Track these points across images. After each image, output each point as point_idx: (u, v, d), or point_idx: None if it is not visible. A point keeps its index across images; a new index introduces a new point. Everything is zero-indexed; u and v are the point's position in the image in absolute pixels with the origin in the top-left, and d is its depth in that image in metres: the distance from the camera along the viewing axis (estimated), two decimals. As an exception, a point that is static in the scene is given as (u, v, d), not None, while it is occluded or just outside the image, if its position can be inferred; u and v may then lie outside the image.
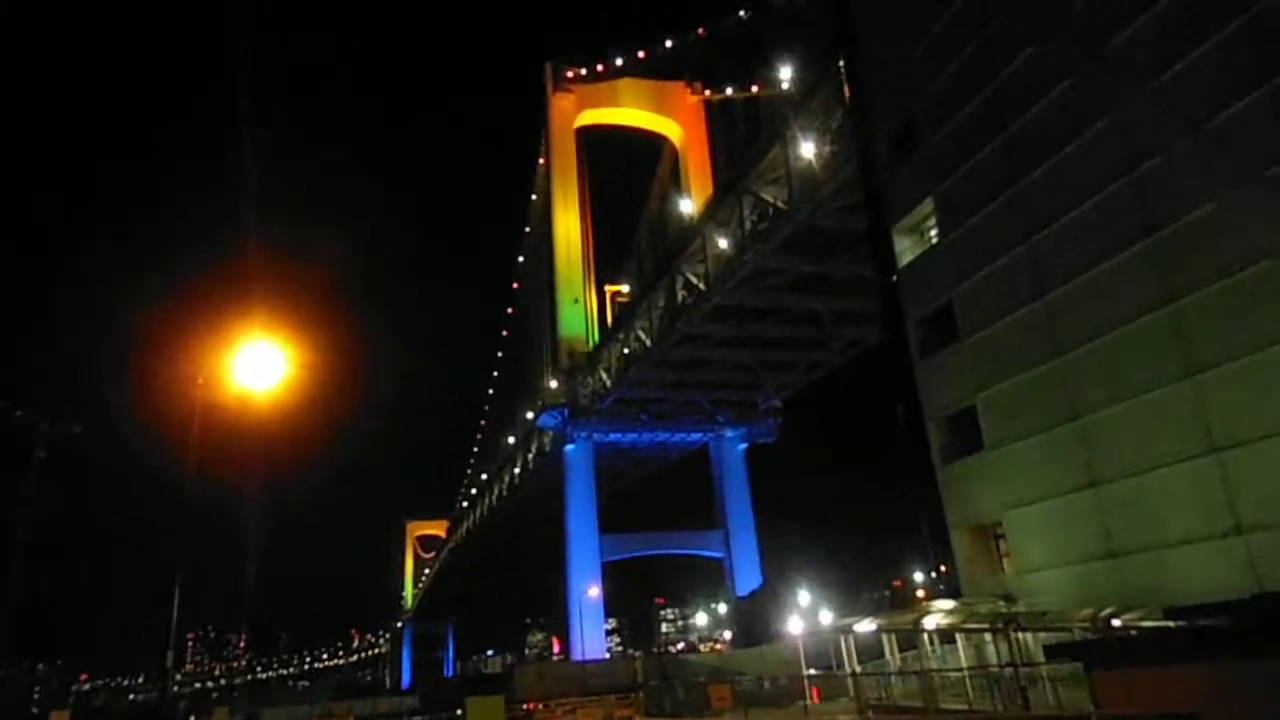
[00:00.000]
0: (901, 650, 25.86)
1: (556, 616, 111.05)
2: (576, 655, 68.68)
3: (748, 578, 73.97)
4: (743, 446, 78.75)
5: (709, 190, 71.33)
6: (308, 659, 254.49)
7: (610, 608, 78.82)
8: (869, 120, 33.69)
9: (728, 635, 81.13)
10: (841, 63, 39.17)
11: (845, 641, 24.90)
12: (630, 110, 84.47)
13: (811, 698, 28.41)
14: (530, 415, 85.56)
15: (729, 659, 41.87)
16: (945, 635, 23.94)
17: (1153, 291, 20.77)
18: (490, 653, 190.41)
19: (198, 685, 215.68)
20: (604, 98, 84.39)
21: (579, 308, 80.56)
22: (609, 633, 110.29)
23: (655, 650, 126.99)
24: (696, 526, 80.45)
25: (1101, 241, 22.10)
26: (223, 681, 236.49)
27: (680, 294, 60.71)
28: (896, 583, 71.85)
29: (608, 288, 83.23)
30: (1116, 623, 17.01)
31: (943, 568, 27.76)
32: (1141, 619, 16.84)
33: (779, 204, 48.81)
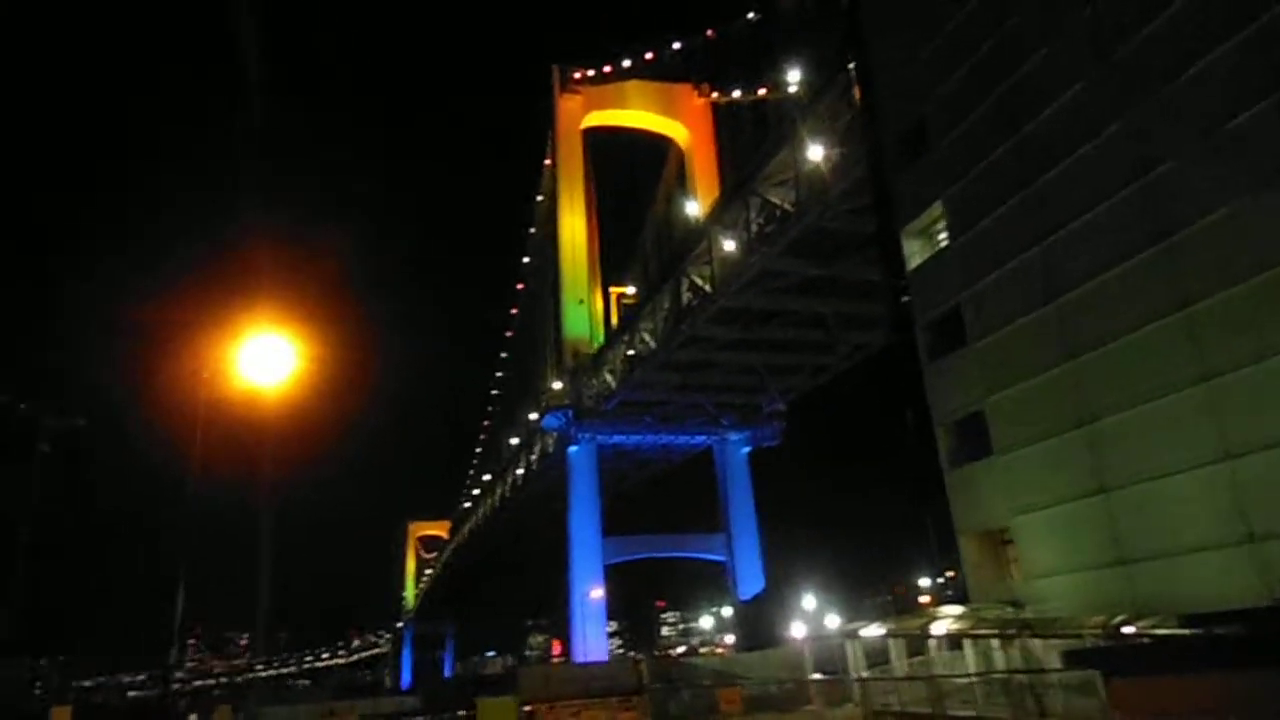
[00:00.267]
0: (908, 656, 25.65)
1: (558, 618, 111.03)
2: (578, 657, 68.52)
3: (750, 581, 73.75)
4: (746, 450, 78.53)
5: (715, 193, 71.18)
6: (308, 658, 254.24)
7: (611, 610, 78.61)
8: (878, 122, 33.51)
9: (729, 639, 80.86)
10: (851, 65, 38.99)
11: (852, 646, 24.71)
12: (637, 112, 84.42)
13: (817, 703, 28.19)
14: (534, 416, 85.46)
15: (733, 663, 41.64)
16: (952, 641, 23.73)
17: (1165, 297, 20.58)
18: (491, 654, 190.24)
19: (198, 683, 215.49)
20: (611, 99, 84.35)
21: (584, 309, 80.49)
22: (610, 635, 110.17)
23: (656, 654, 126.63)
24: (699, 529, 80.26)
25: (1113, 246, 21.92)
26: (223, 680, 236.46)
27: (686, 296, 60.59)
28: (898, 589, 71.57)
29: (612, 289, 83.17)
30: (1128, 630, 16.81)
31: (949, 573, 27.51)
32: (1154, 626, 16.65)
33: (786, 206, 48.69)
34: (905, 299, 30.92)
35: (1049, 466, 23.70)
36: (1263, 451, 18.18)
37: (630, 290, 79.65)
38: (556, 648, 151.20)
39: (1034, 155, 24.41)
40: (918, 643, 25.53)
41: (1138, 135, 21.10)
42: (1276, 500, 17.84)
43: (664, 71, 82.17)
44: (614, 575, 76.08)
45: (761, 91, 67.52)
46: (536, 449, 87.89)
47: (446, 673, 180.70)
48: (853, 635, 24.78)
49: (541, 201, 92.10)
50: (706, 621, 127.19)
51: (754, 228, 51.56)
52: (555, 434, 78.97)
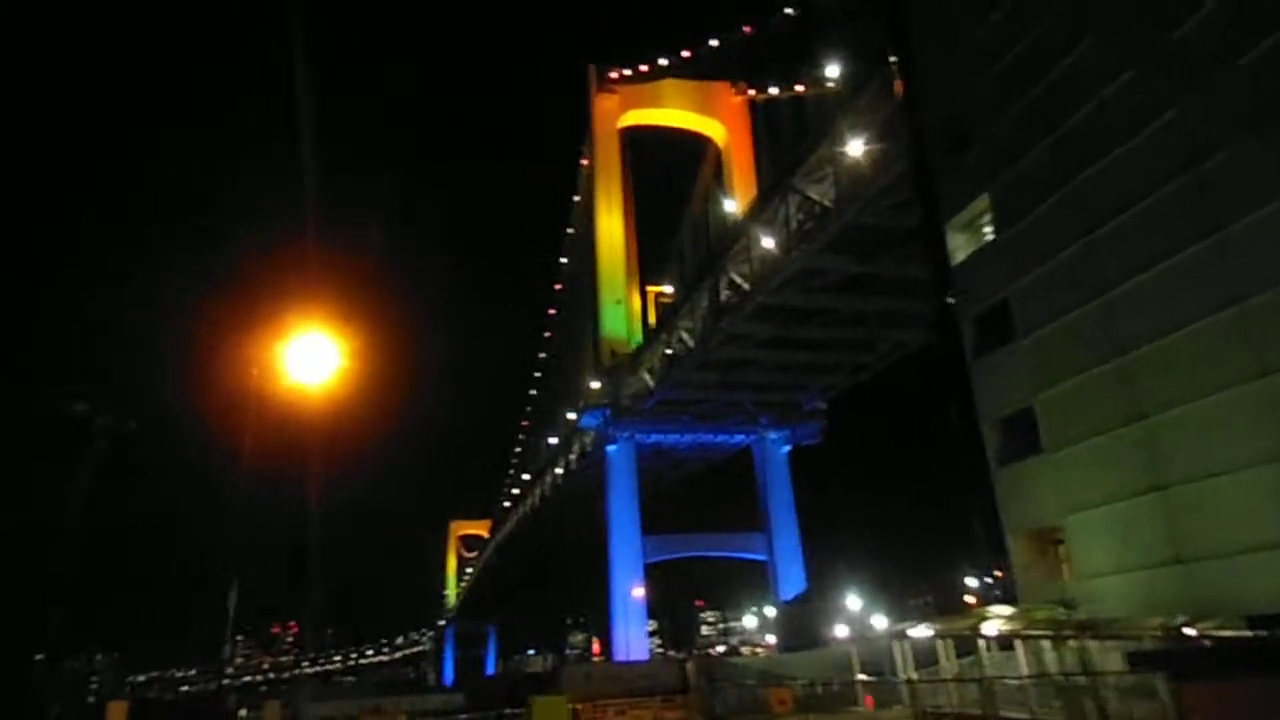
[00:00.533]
0: (957, 657, 25.22)
1: (597, 617, 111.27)
2: (619, 656, 68.62)
3: (791, 581, 73.25)
4: (786, 448, 78.01)
5: (752, 191, 70.81)
6: (353, 655, 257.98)
7: (650, 609, 78.62)
8: (921, 116, 33.02)
9: (770, 639, 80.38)
10: (892, 59, 38.47)
11: (901, 647, 24.34)
12: (674, 111, 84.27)
13: (866, 704, 27.84)
14: (572, 416, 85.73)
15: (777, 663, 41.38)
16: (1002, 642, 23.27)
17: (1218, 291, 20.00)
18: (531, 652, 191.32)
19: (246, 679, 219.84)
20: (647, 98, 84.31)
21: (621, 308, 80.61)
22: (649, 634, 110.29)
23: (696, 652, 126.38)
24: (739, 529, 79.97)
25: (1164, 239, 21.35)
26: (270, 675, 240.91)
27: (724, 294, 60.30)
28: (940, 590, 70.39)
29: (650, 289, 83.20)
30: (1190, 631, 16.33)
31: (997, 573, 27.00)
32: (1217, 628, 16.14)
33: (825, 203, 48.22)
34: (950, 294, 30.40)
35: (1101, 464, 23.14)
36: (1327, 448, 17.55)
37: (668, 289, 79.58)
38: (596, 647, 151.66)
39: (1081, 147, 23.87)
40: (966, 644, 25.10)
41: (1188, 125, 20.52)
42: (1342, 498, 17.22)
43: (701, 70, 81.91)
44: (653, 574, 76.14)
45: (799, 88, 67.03)
46: (575, 448, 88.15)
47: (488, 670, 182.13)
48: (901, 636, 24.42)
49: (579, 202, 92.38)
50: (748, 621, 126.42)
51: (793, 224, 51.13)
52: (593, 433, 79.19)
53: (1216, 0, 19.66)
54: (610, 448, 75.70)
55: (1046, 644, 22.57)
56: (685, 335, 66.20)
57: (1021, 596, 25.53)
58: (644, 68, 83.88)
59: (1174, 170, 20.68)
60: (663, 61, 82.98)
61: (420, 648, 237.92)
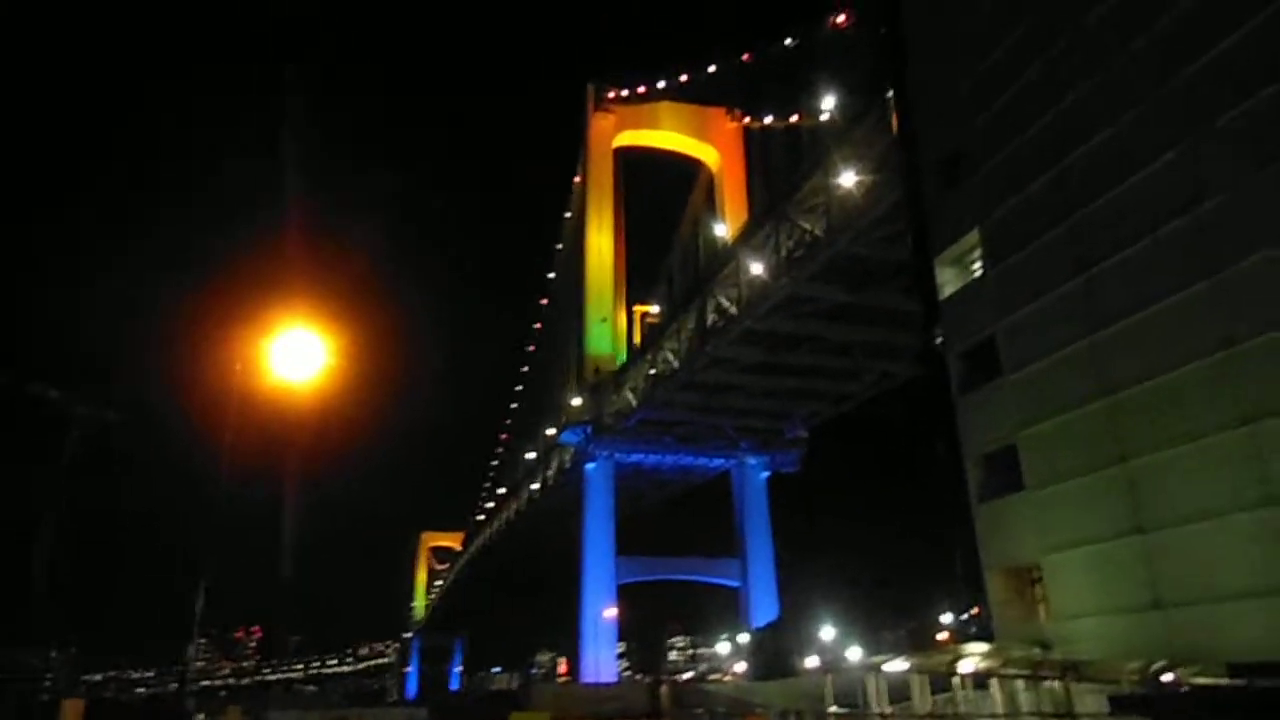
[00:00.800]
0: (931, 693, 24.98)
1: (566, 637, 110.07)
2: (586, 677, 67.90)
3: (764, 609, 72.91)
4: (765, 475, 77.94)
5: (743, 217, 71.21)
6: (315, 664, 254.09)
7: (619, 631, 77.97)
8: (916, 149, 33.19)
9: (740, 667, 79.81)
10: (890, 92, 38.81)
11: (875, 680, 24.10)
12: (669, 133, 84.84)
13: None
14: (552, 431, 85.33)
15: (748, 690, 40.97)
16: (978, 680, 23.09)
17: (1210, 335, 20.01)
18: (497, 670, 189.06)
19: (205, 683, 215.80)
20: (644, 120, 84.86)
21: (607, 326, 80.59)
22: (617, 656, 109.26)
23: (659, 678, 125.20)
24: (714, 554, 79.62)
25: (1158, 280, 21.38)
26: (231, 681, 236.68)
27: (711, 317, 60.41)
28: (913, 624, 70.23)
29: (637, 308, 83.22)
30: (1167, 677, 16.22)
31: (974, 610, 26.90)
32: (1197, 675, 16.04)
33: (817, 231, 48.47)
34: (937, 329, 30.43)
35: (1084, 504, 23.06)
36: (1310, 499, 17.56)
37: (654, 309, 79.62)
38: (563, 666, 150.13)
39: (1077, 185, 23.97)
40: (940, 680, 24.87)
41: (1189, 167, 20.65)
42: (1324, 550, 17.21)
43: (698, 94, 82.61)
44: (624, 596, 75.50)
45: (795, 118, 67.56)
46: (554, 464, 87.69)
47: (453, 686, 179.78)
48: (875, 669, 24.19)
49: (569, 218, 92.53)
50: (721, 648, 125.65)
51: (784, 251, 51.35)
52: (573, 450, 78.81)
53: (1226, 42, 19.82)
54: (589, 465, 75.32)
55: (1021, 684, 22.41)
56: (670, 356, 66.17)
57: (997, 634, 25.36)
58: (641, 89, 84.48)
59: (1174, 211, 20.75)
60: (660, 84, 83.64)
61: (385, 659, 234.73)
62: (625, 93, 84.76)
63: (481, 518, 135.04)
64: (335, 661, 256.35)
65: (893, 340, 55.85)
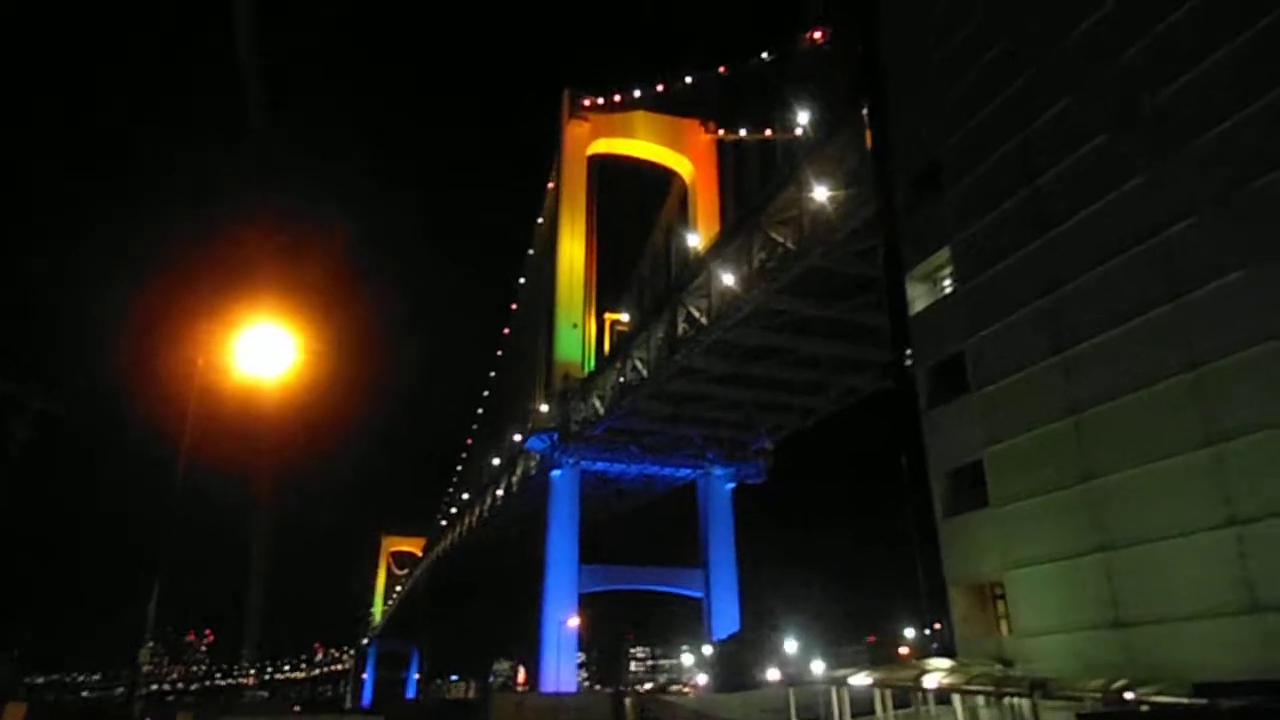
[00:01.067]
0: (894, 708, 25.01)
1: (526, 645, 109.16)
2: (546, 686, 67.21)
3: (726, 620, 72.80)
4: (730, 486, 77.98)
5: (715, 229, 71.42)
6: (268, 669, 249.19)
7: (579, 641, 77.40)
8: (890, 166, 33.44)
9: (701, 679, 79.62)
10: (865, 109, 39.10)
11: (839, 694, 24.05)
12: (643, 143, 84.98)
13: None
14: (518, 437, 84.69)
15: (711, 703, 40.72)
16: (939, 696, 23.13)
17: (1175, 357, 20.30)
18: (454, 678, 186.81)
19: (153, 687, 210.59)
20: (619, 128, 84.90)
21: (577, 333, 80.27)
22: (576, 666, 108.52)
23: (622, 689, 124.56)
24: (677, 564, 79.42)
25: (1125, 301, 21.68)
26: (180, 686, 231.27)
27: (681, 327, 60.34)
28: (871, 638, 70.69)
29: (607, 316, 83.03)
30: (1129, 696, 16.32)
31: (936, 625, 26.99)
32: (1158, 693, 16.16)
33: (789, 244, 48.64)
34: (907, 345, 30.60)
35: (1047, 521, 23.24)
36: (1270, 520, 17.81)
37: (625, 317, 79.47)
38: (521, 676, 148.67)
39: (1048, 205, 24.25)
40: (902, 695, 24.90)
41: (1158, 190, 20.95)
42: (1282, 571, 17.45)
43: (674, 105, 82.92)
44: (585, 605, 75.00)
45: (768, 132, 67.99)
46: (519, 470, 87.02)
47: (409, 694, 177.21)
48: (840, 683, 24.14)
49: (542, 224, 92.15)
50: (685, 659, 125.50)
51: (755, 263, 51.46)
52: (539, 457, 78.28)
53: (1195, 71, 20.17)
54: (555, 473, 74.84)
55: (981, 700, 22.48)
56: (639, 365, 66.00)
57: (959, 650, 25.43)
58: (617, 97, 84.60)
59: (1142, 233, 21.04)
60: (636, 93, 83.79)
61: (340, 665, 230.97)
62: (601, 101, 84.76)
63: (444, 523, 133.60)
64: (289, 667, 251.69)
65: (859, 354, 56.24)
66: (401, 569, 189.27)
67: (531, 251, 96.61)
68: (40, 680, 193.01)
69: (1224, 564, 18.38)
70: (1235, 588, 18.09)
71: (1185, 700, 15.58)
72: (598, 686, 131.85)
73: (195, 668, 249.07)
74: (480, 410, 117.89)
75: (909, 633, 58.20)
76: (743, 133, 73.10)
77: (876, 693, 24.29)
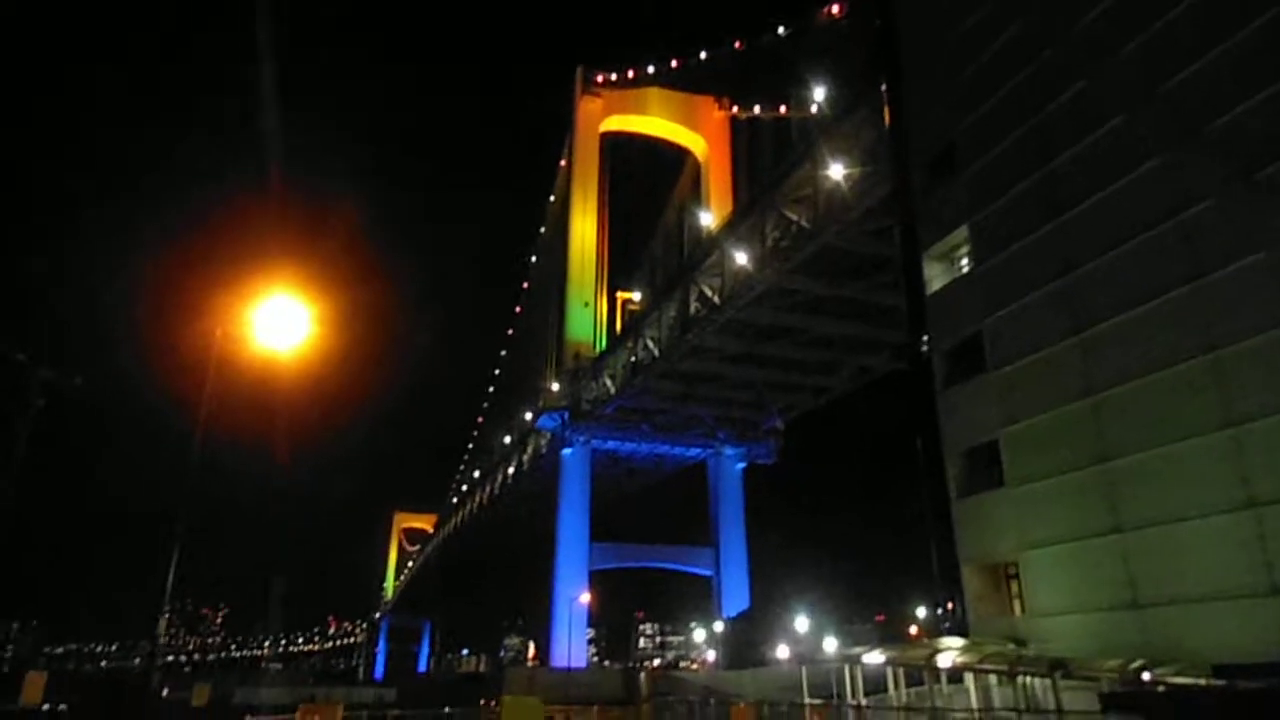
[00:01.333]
0: (906, 686, 25.07)
1: (537, 621, 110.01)
2: (557, 662, 67.73)
3: (736, 599, 73.08)
4: (741, 465, 77.96)
5: (728, 208, 70.93)
6: (283, 641, 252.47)
7: (589, 618, 77.91)
8: (907, 144, 33.09)
9: (710, 655, 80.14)
10: (883, 86, 38.61)
11: (851, 672, 24.12)
12: (656, 120, 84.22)
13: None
14: (529, 416, 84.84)
15: (721, 679, 40.94)
16: (952, 674, 23.17)
17: (1193, 338, 20.15)
18: (465, 652, 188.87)
19: (170, 659, 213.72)
20: (632, 105, 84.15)
21: (588, 312, 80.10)
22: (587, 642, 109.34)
23: (632, 665, 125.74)
24: (687, 542, 79.64)
25: (1143, 282, 21.50)
26: (196, 657, 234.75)
27: (694, 305, 60.06)
28: (880, 617, 70.96)
29: (619, 294, 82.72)
30: (1146, 676, 16.28)
31: (948, 604, 26.99)
32: (1176, 674, 16.12)
33: (803, 223, 48.22)
34: (925, 325, 30.41)
35: (1063, 502, 23.18)
36: (1289, 502, 17.68)
37: (636, 296, 79.21)
38: (531, 651, 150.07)
39: (1066, 186, 24.02)
40: (914, 674, 24.95)
41: (1177, 172, 20.68)
42: (1301, 554, 17.34)
43: (687, 81, 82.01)
44: (594, 582, 75.39)
45: (783, 109, 67.33)
46: (529, 449, 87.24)
47: (420, 667, 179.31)
48: (854, 661, 24.19)
49: (554, 202, 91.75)
50: (697, 635, 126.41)
51: (769, 242, 51.08)
52: (549, 435, 78.38)
53: (1214, 53, 19.84)
54: (565, 451, 74.98)
55: (994, 679, 22.51)
56: (651, 344, 65.83)
57: (972, 630, 25.48)
58: (631, 73, 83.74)
59: (1159, 215, 20.83)
60: (650, 69, 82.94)
61: (353, 639, 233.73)
62: (614, 76, 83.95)
63: (456, 499, 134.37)
64: (303, 640, 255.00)
65: (873, 335, 55.89)
66: (413, 545, 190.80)
67: (543, 229, 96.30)
68: (59, 650, 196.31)
69: (1242, 546, 18.30)
70: (1254, 570, 18.02)
71: (1204, 682, 15.53)
72: (607, 663, 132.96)
73: (211, 639, 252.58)
74: (491, 388, 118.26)
75: (920, 612, 58.30)
76: (757, 109, 72.40)
77: (889, 671, 24.35)
